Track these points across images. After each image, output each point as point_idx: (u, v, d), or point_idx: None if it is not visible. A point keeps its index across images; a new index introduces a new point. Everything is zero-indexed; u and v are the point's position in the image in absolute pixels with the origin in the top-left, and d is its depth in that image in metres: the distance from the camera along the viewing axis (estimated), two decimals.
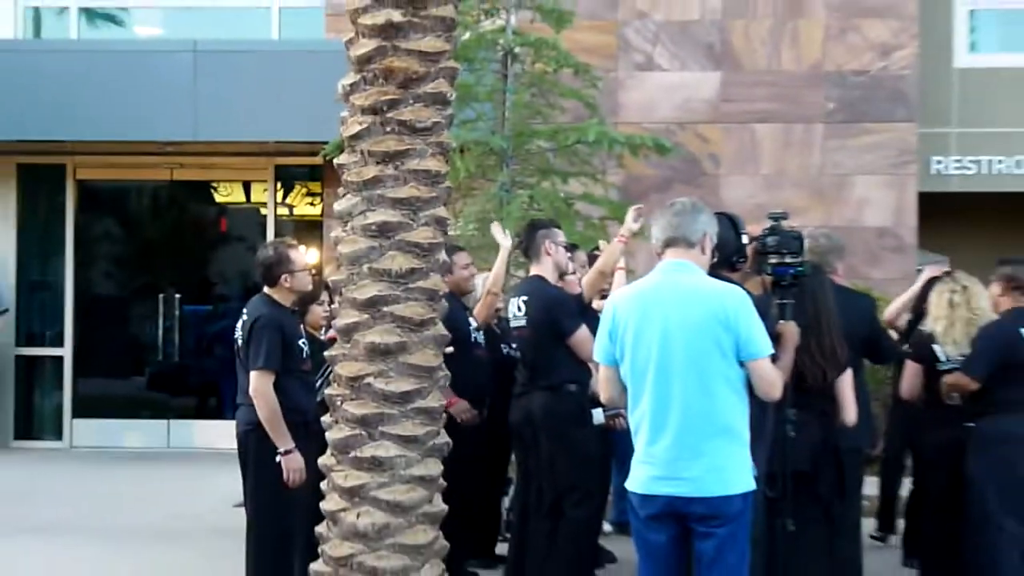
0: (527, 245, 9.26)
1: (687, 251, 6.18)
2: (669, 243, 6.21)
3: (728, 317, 6.00)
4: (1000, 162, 16.99)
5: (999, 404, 8.70)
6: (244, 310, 8.46)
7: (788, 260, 7.86)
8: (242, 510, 8.91)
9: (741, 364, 6.08)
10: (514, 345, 10.01)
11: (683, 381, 5.99)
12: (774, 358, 6.34)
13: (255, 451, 8.22)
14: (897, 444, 11.14)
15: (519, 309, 9.04)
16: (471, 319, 9.54)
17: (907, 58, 16.36)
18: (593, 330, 7.55)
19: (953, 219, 16.85)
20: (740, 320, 6.01)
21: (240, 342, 8.31)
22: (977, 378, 8.75)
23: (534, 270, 9.14)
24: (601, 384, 6.43)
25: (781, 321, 7.44)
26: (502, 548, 10.28)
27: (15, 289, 17.37)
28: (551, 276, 9.12)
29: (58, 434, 17.41)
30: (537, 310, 8.91)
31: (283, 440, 7.93)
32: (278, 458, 7.94)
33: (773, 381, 6.20)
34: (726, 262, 7.39)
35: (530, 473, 9.32)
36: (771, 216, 8.04)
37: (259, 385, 8.01)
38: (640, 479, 6.10)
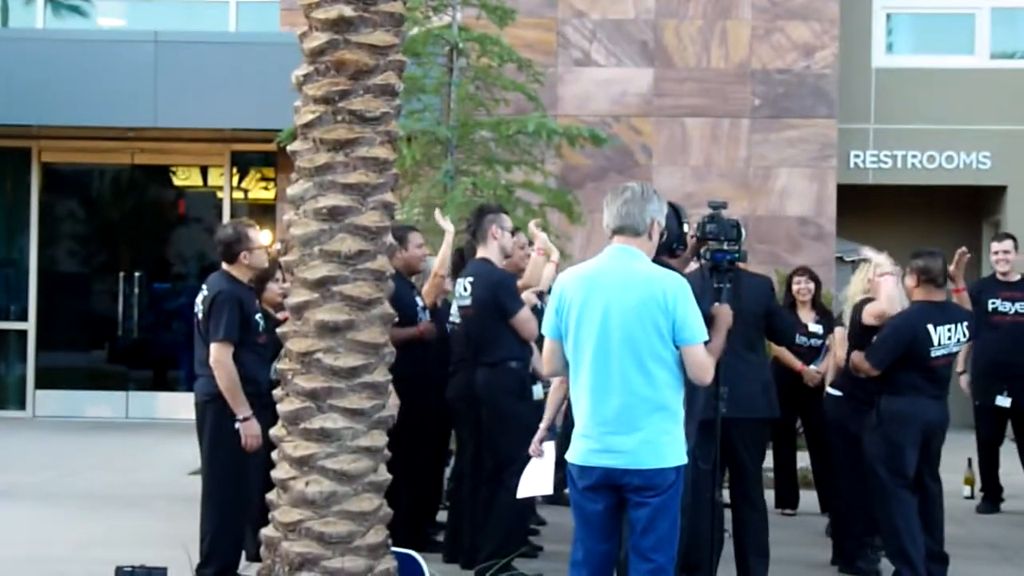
0: (475, 229, 9.25)
1: (634, 238, 6.20)
2: (617, 231, 6.22)
3: (667, 302, 6.01)
4: (914, 157, 17.09)
5: (894, 386, 8.86)
6: (203, 286, 8.44)
7: (726, 247, 7.90)
8: (198, 477, 8.90)
9: (677, 347, 6.11)
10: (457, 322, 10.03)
11: (622, 360, 6.01)
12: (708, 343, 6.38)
13: (212, 421, 8.21)
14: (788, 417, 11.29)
15: (465, 289, 9.06)
16: (418, 298, 9.53)
17: (828, 58, 16.44)
18: None
19: (870, 210, 16.96)
20: (678, 305, 6.02)
21: (200, 316, 8.29)
22: (877, 367, 8.86)
23: (480, 252, 9.12)
24: (545, 357, 6.44)
25: (716, 304, 7.48)
26: (442, 516, 10.32)
27: None
28: (496, 259, 9.13)
29: (21, 404, 17.32)
30: (482, 290, 8.92)
31: (241, 408, 7.93)
32: (237, 425, 7.93)
33: (705, 366, 6.19)
34: (667, 248, 7.42)
35: (465, 445, 9.36)
36: (711, 205, 8.08)
37: (219, 355, 8.01)
38: (579, 451, 6.12)
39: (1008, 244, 11.67)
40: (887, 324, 9.03)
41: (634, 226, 6.19)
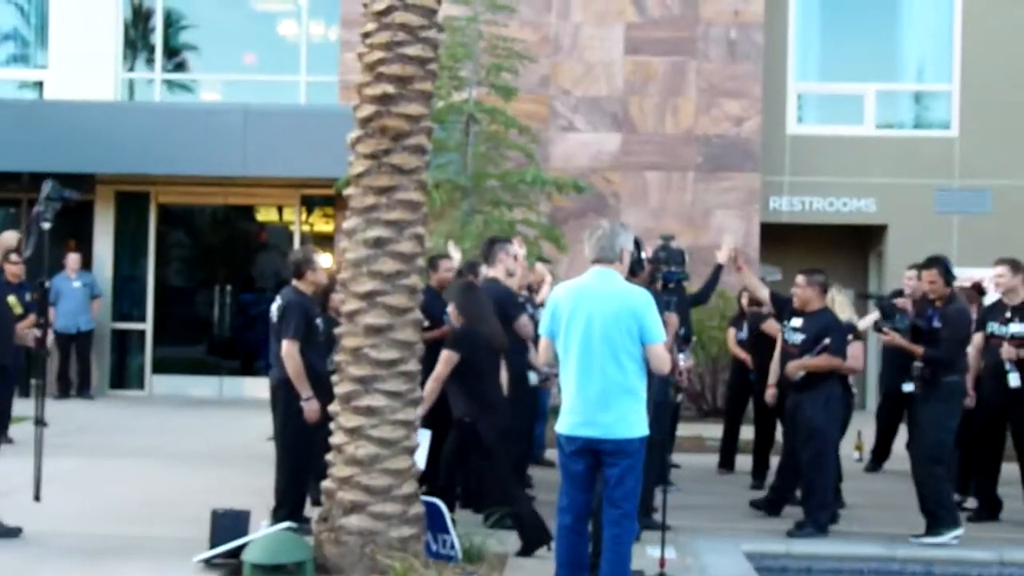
0: (486, 254, 9.24)
1: (609, 264, 6.28)
2: (596, 260, 6.31)
3: (636, 311, 6.19)
4: (818, 202, 17.09)
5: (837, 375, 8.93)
6: (277, 297, 8.42)
7: (674, 269, 7.89)
8: (271, 443, 8.87)
9: (643, 346, 6.14)
10: None
11: (602, 354, 6.13)
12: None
13: (283, 400, 8.20)
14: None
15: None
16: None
17: (753, 127, 16.43)
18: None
19: (785, 242, 16.93)
20: (644, 314, 6.22)
21: (274, 319, 8.27)
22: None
23: (490, 273, 9.10)
24: (541, 350, 6.55)
25: (666, 312, 7.47)
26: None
27: (112, 281, 17.24)
28: (502, 277, 9.10)
29: (141, 386, 17.28)
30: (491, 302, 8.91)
31: (305, 390, 7.91)
32: (301, 403, 7.90)
33: (665, 360, 6.37)
34: (630, 271, 7.42)
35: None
36: (662, 237, 8.10)
37: (288, 350, 7.99)
38: (567, 424, 6.22)
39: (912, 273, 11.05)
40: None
41: (608, 256, 6.32)
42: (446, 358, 7.82)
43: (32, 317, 12.75)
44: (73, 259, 16.58)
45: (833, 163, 17.02)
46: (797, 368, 8.77)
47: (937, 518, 8.51)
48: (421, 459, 7.64)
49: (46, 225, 8.18)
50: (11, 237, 7.74)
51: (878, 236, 17.38)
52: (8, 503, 8.39)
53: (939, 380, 8.65)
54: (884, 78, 17.60)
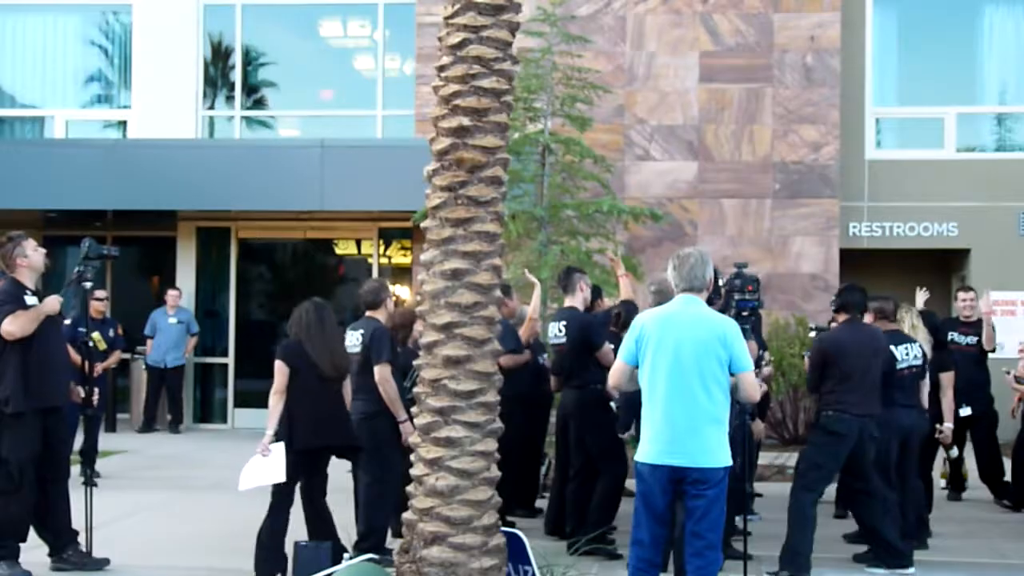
0: (565, 283, 9.29)
1: (698, 293, 6.27)
2: (687, 289, 6.30)
3: (726, 339, 6.17)
4: (898, 227, 16.89)
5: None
6: (358, 329, 8.50)
7: (748, 297, 7.82)
8: (350, 475, 8.94)
9: (731, 374, 6.16)
10: (545, 356, 10.04)
11: (690, 383, 6.09)
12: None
13: (367, 434, 8.28)
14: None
15: (559, 331, 9.03)
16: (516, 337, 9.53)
17: (831, 153, 16.30)
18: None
19: (865, 267, 16.74)
20: (734, 342, 6.20)
21: (360, 349, 8.34)
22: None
23: (568, 302, 9.15)
24: (615, 373, 6.48)
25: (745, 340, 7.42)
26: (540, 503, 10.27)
27: (194, 316, 17.49)
28: (581, 306, 9.15)
29: (224, 419, 17.48)
30: (574, 331, 8.94)
31: (401, 413, 7.97)
32: (400, 425, 7.98)
33: (755, 388, 6.39)
34: (708, 300, 7.38)
35: (565, 448, 9.31)
36: (736, 265, 8.02)
37: (384, 374, 8.15)
38: (651, 452, 6.15)
39: (971, 295, 11.68)
40: None
41: (698, 286, 6.31)
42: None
43: (117, 353, 13.00)
44: (173, 295, 16.87)
45: (913, 187, 16.83)
46: None
47: None
48: (278, 473, 7.67)
49: (88, 284, 8.33)
50: (54, 303, 7.88)
51: (960, 260, 17.12)
52: (97, 536, 8.51)
53: None
54: (964, 100, 17.39)
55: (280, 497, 7.81)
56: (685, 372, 6.09)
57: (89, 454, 10.65)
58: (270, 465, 7.80)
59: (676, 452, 6.06)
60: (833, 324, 9.32)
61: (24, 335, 7.63)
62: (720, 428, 6.13)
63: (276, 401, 7.85)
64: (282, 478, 7.65)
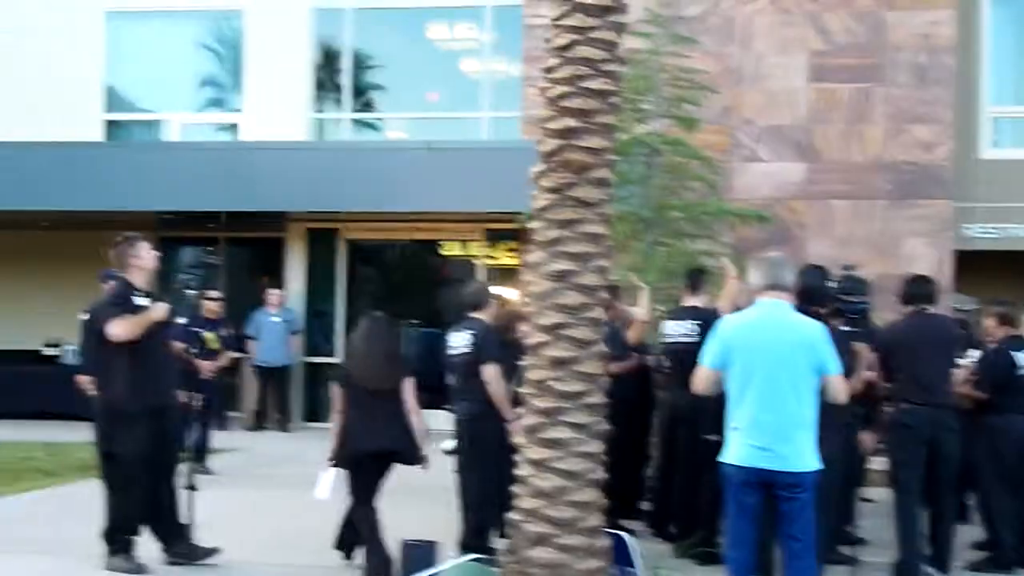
0: (695, 284, 9.10)
1: (782, 293, 6.22)
2: (769, 287, 6.23)
3: (815, 343, 6.15)
4: (1015, 228, 16.51)
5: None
6: (463, 330, 8.56)
7: (856, 299, 7.70)
8: (456, 475, 9.00)
9: (820, 377, 6.12)
10: (652, 356, 9.97)
11: (781, 386, 6.05)
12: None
13: (475, 432, 8.38)
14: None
15: (691, 330, 8.75)
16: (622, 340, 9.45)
17: (944, 152, 15.99)
18: None
19: (980, 271, 16.40)
20: (822, 345, 6.16)
21: (464, 350, 8.40)
22: (985, 392, 8.61)
23: (693, 301, 8.94)
24: (701, 380, 6.41)
25: (856, 343, 7.34)
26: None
27: (305, 316, 17.72)
28: (703, 306, 8.98)
29: None
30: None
31: (509, 412, 7.99)
32: (509, 425, 8.00)
33: (842, 390, 6.33)
34: (817, 303, 7.29)
35: (672, 450, 9.22)
36: (844, 267, 7.90)
37: (493, 373, 8.20)
38: (740, 455, 6.12)
39: None
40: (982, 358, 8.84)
41: (784, 284, 6.25)
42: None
43: (229, 353, 13.24)
44: (275, 295, 17.15)
45: None
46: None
47: None
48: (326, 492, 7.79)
49: (191, 292, 8.48)
50: (163, 309, 8.03)
51: None
52: (207, 532, 8.68)
53: None
54: None
55: (355, 495, 8.05)
56: (775, 376, 6.07)
57: (199, 453, 10.95)
58: (321, 482, 8.10)
59: (767, 456, 6.05)
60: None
61: (129, 339, 7.80)
62: (809, 431, 6.13)
63: (335, 419, 8.08)
64: (324, 496, 7.75)
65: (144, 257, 8.18)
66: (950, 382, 8.33)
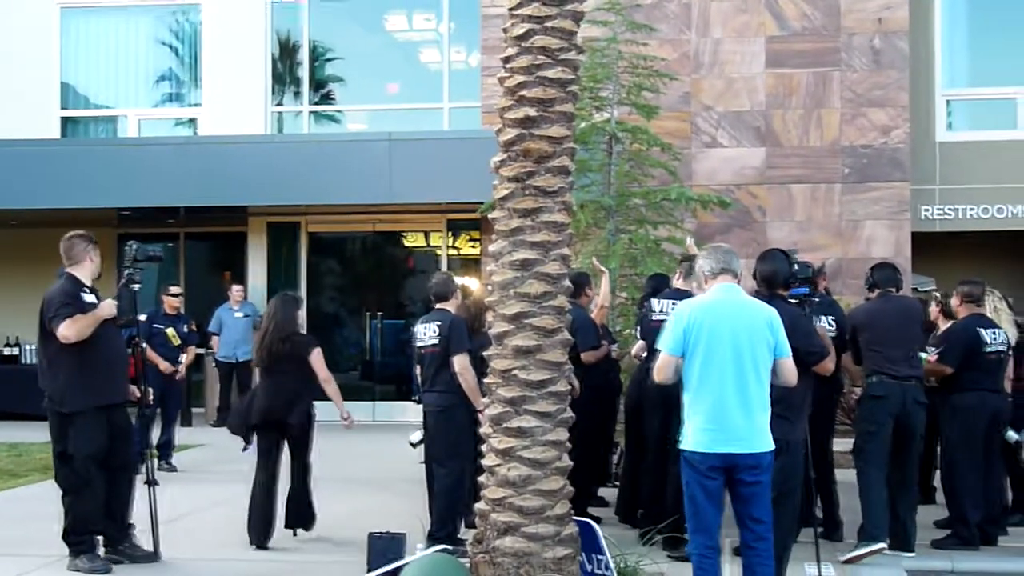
0: (688, 270, 8.99)
1: (733, 278, 6.26)
2: (721, 272, 6.27)
3: (772, 326, 6.19)
4: (971, 209, 16.64)
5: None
6: (431, 321, 8.53)
7: (797, 283, 7.67)
8: (423, 466, 8.98)
9: (775, 360, 6.22)
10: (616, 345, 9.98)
11: (745, 370, 6.07)
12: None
13: (444, 426, 8.38)
14: None
15: (665, 309, 8.58)
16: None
17: (901, 136, 16.08)
18: None
19: (937, 251, 16.55)
20: (778, 328, 6.26)
21: (438, 341, 8.37)
22: (951, 365, 8.71)
23: (683, 285, 8.77)
24: (664, 367, 6.29)
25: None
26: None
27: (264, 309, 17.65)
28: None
29: None
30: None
31: (480, 403, 7.96)
32: (479, 415, 7.96)
33: (794, 373, 6.35)
34: (783, 284, 7.34)
35: (636, 436, 9.21)
36: (785, 252, 7.75)
37: (465, 363, 8.18)
38: (704, 441, 6.12)
39: None
40: (946, 334, 8.95)
41: (734, 269, 6.30)
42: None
43: (191, 349, 13.15)
44: (237, 290, 17.06)
45: (986, 169, 16.57)
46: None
47: None
48: None
49: (136, 287, 8.40)
50: (110, 307, 7.96)
51: None
52: (171, 528, 8.62)
53: None
54: None
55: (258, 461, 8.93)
56: (742, 360, 6.08)
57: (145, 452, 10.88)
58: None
59: (732, 440, 6.07)
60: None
61: (79, 339, 7.73)
62: (767, 413, 6.17)
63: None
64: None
65: (95, 259, 8.13)
66: (917, 359, 8.47)
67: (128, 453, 8.24)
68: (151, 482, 8.31)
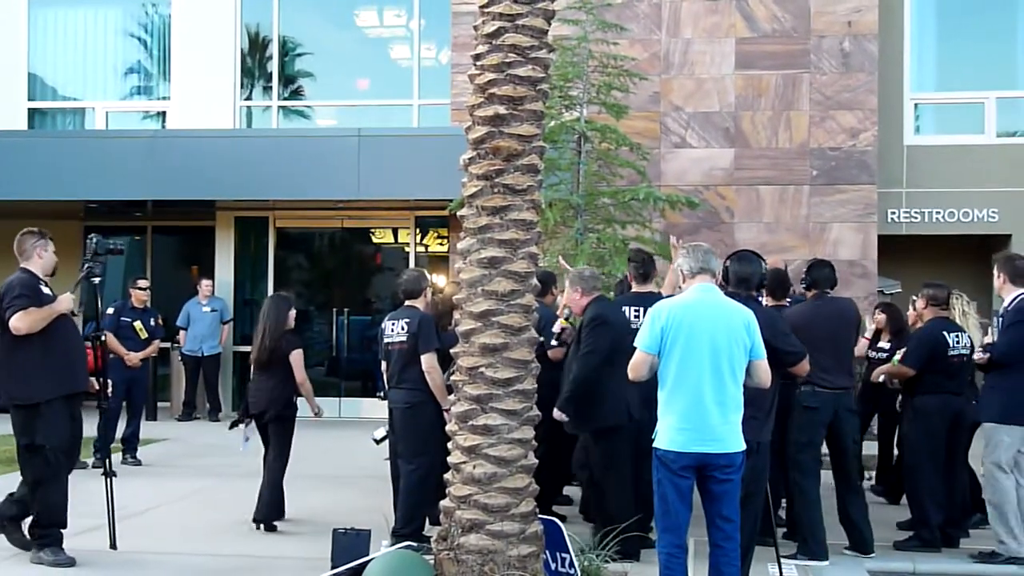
0: (647, 271, 8.92)
1: (711, 279, 6.27)
2: (700, 272, 6.28)
3: (749, 326, 6.24)
4: (938, 213, 16.76)
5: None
6: (400, 318, 8.51)
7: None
8: (388, 462, 8.97)
9: (750, 361, 6.25)
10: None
11: (722, 370, 6.10)
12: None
13: (411, 423, 8.39)
14: None
15: (636, 315, 8.55)
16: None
17: (869, 139, 16.17)
18: None
19: (903, 254, 16.64)
20: (754, 329, 6.26)
21: (404, 339, 8.36)
22: (913, 367, 8.78)
23: (646, 288, 8.78)
24: (638, 365, 6.30)
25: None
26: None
27: (232, 304, 17.57)
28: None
29: None
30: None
31: (446, 399, 7.95)
32: (445, 414, 7.96)
33: (768, 374, 6.37)
34: (756, 286, 7.39)
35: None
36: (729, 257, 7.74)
37: (433, 362, 8.20)
38: (679, 440, 6.12)
39: None
40: (912, 337, 9.00)
41: (712, 269, 6.31)
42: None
43: (156, 343, 13.09)
44: (205, 285, 17.02)
45: (953, 173, 16.70)
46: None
47: None
48: None
49: (96, 280, 8.36)
50: (68, 301, 7.93)
51: (1001, 246, 16.96)
52: (135, 523, 8.57)
53: None
54: (1005, 85, 17.20)
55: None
56: (719, 360, 6.10)
57: (107, 445, 10.85)
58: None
59: (707, 440, 6.09)
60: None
61: (31, 332, 7.68)
62: (740, 413, 6.20)
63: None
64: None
65: (48, 256, 8.09)
66: (851, 365, 8.51)
67: (79, 445, 8.21)
68: (108, 473, 8.30)
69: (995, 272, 8.54)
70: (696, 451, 6.09)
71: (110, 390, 8.88)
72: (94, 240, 8.40)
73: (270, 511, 9.03)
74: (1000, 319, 8.48)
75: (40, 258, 8.04)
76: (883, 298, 14.73)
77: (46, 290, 7.94)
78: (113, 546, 8.14)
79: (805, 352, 7.28)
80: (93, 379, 8.41)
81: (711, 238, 15.45)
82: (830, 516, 8.39)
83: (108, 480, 8.29)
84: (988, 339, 8.61)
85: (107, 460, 8.57)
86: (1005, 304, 8.43)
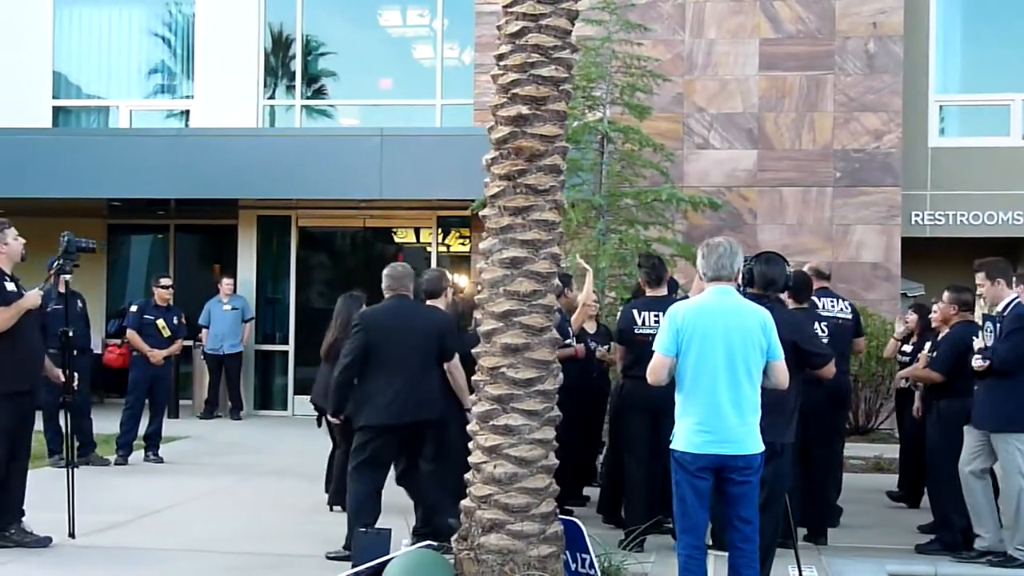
0: (659, 274, 8.93)
1: (728, 282, 6.23)
2: (715, 278, 6.24)
3: (766, 328, 6.18)
4: (962, 215, 16.69)
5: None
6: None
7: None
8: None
9: (767, 362, 6.22)
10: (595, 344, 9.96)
11: (737, 371, 6.08)
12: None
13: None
14: None
15: (656, 319, 8.51)
16: (568, 327, 9.32)
17: (893, 140, 16.13)
18: None
19: (927, 256, 16.59)
20: (771, 330, 6.19)
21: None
22: (942, 372, 8.72)
23: (660, 291, 8.80)
24: (657, 368, 6.24)
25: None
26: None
27: (255, 303, 17.62)
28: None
29: (284, 406, 17.62)
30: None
31: (467, 399, 7.94)
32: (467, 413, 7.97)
33: (786, 375, 6.32)
34: (784, 288, 7.33)
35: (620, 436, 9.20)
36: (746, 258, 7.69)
37: (455, 361, 8.15)
38: (697, 442, 6.10)
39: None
40: (943, 340, 8.91)
41: (728, 275, 6.24)
42: None
43: (179, 341, 13.15)
44: (227, 283, 17.07)
45: (978, 175, 16.63)
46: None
47: None
48: None
49: (67, 277, 8.39)
50: (36, 297, 7.97)
51: None
52: (158, 520, 8.61)
53: None
54: None
55: None
56: (734, 362, 6.08)
57: (85, 439, 10.99)
58: None
59: (724, 441, 6.07)
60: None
61: (1, 331, 7.74)
62: (758, 415, 6.17)
63: None
64: None
65: (11, 244, 8.09)
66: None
67: (28, 440, 8.31)
68: (70, 464, 8.44)
69: (982, 277, 8.45)
70: (714, 453, 6.08)
71: (76, 383, 8.86)
72: (66, 238, 8.40)
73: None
74: (996, 324, 8.36)
75: (7, 246, 8.04)
76: (907, 301, 14.69)
77: (11, 286, 7.93)
78: (71, 534, 8.25)
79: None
80: (59, 371, 8.49)
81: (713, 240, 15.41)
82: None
83: (70, 471, 8.42)
84: (979, 343, 8.48)
85: (71, 452, 8.70)
86: (1000, 309, 8.36)
